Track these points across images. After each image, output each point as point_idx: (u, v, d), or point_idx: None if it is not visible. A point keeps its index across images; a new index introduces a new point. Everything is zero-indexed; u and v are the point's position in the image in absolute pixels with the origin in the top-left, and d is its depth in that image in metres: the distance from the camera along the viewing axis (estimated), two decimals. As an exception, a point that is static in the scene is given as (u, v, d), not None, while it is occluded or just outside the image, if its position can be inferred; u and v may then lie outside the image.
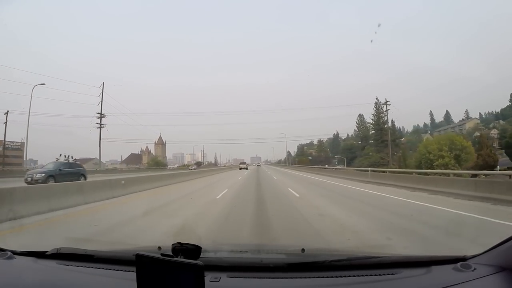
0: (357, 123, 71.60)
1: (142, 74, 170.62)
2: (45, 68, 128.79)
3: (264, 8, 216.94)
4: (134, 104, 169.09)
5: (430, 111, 79.19)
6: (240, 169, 44.36)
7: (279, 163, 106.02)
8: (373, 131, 60.75)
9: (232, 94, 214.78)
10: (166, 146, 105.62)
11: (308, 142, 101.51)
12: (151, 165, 76.30)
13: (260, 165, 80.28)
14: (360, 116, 71.15)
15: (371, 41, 78.09)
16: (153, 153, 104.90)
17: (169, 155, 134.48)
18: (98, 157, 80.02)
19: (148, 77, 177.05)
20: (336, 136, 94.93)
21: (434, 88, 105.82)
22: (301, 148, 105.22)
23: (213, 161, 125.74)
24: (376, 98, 59.04)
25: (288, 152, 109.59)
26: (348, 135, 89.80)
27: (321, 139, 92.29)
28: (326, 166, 57.98)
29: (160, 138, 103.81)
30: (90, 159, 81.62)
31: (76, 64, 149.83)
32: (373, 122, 59.90)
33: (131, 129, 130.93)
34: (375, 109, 58.79)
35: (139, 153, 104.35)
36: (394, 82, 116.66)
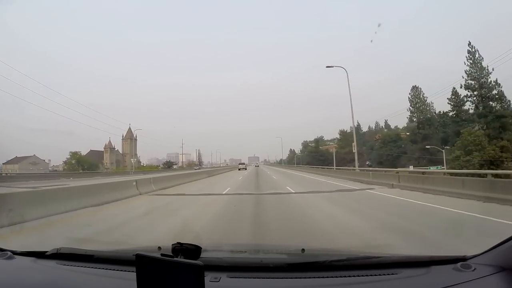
0: (410, 99, 43.51)
1: (139, 73, 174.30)
2: (46, 68, 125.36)
3: (264, 8, 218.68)
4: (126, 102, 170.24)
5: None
6: (239, 169, 43.19)
7: (281, 163, 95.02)
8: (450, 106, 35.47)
9: (231, 93, 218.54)
10: (137, 141, 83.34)
11: (318, 137, 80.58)
12: (73, 166, 57.00)
13: (258, 165, 74.74)
14: (416, 89, 43.59)
15: (371, 41, 71.55)
16: (120, 150, 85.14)
17: (162, 154, 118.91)
18: (36, 155, 68.48)
19: (146, 76, 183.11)
20: (358, 128, 65.09)
21: (434, 88, 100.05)
22: (306, 145, 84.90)
23: (205, 161, 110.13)
24: (469, 45, 32.99)
25: (291, 151, 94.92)
26: (370, 127, 68.68)
27: (344, 129, 65.90)
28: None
29: (129, 131, 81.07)
30: (24, 158, 68.61)
31: (75, 63, 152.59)
32: (469, 86, 32.73)
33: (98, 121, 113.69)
34: (469, 63, 32.46)
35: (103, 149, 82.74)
36: (393, 82, 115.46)
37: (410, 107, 44.02)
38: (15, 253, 1.54)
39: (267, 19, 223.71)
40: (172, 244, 1.16)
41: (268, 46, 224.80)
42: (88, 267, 1.38)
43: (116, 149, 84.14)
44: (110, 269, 1.34)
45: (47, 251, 1.52)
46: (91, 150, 79.71)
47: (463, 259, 1.26)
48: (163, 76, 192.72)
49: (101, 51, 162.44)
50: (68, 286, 1.27)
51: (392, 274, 1.22)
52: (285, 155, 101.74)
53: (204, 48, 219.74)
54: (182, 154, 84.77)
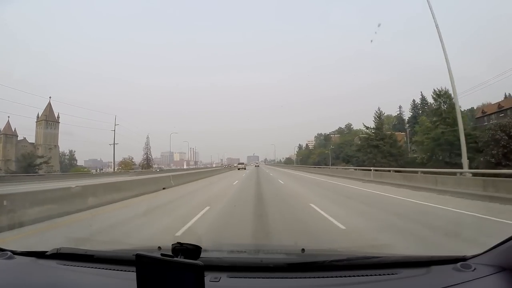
0: None
1: (143, 74, 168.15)
2: (46, 69, 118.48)
3: (265, 9, 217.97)
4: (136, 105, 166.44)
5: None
6: (239, 169, 41.40)
7: (287, 162, 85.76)
8: None
9: (231, 94, 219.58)
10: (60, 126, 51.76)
11: (343, 127, 61.54)
12: None
13: (258, 165, 68.21)
14: None
15: (371, 41, 72.55)
16: (31, 139, 50.56)
17: (156, 153, 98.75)
18: None
19: (148, 77, 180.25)
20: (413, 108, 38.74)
21: (432, 88, 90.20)
22: (326, 137, 68.16)
23: (173, 163, 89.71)
24: None
25: (300, 147, 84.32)
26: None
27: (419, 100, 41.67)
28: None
29: (47, 109, 50.42)
30: None
31: (75, 64, 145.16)
32: None
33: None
34: None
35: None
36: (394, 82, 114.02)
37: None
38: (15, 253, 1.54)
39: (267, 21, 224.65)
40: (172, 244, 1.16)
41: (269, 47, 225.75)
42: (88, 267, 1.38)
43: (23, 138, 50.55)
44: (110, 269, 1.34)
45: (47, 251, 1.52)
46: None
47: (463, 259, 1.26)
48: (163, 77, 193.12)
49: (99, 51, 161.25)
50: (68, 286, 1.27)
51: (392, 274, 1.22)
52: (287, 154, 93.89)
53: (204, 49, 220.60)
54: (114, 148, 44.59)
